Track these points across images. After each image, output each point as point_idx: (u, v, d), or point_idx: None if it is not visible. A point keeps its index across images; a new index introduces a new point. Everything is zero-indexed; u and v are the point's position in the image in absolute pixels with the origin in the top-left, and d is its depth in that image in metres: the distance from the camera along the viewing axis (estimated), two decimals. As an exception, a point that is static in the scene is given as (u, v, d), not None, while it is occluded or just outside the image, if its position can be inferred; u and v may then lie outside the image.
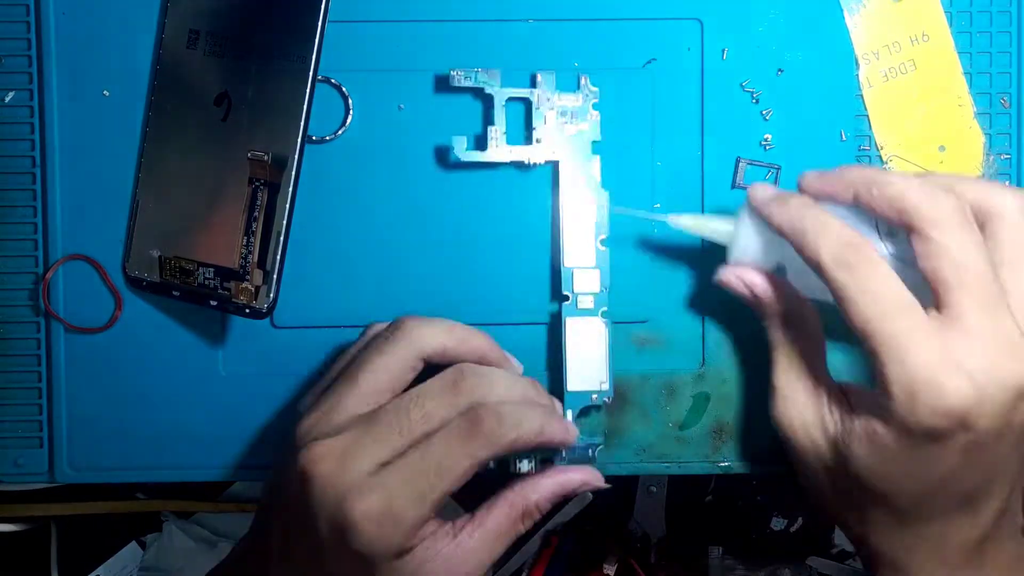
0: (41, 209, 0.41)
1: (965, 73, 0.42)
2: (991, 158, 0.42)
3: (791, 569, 0.54)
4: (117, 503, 0.51)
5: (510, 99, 0.40)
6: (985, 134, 0.42)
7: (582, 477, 0.38)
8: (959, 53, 0.42)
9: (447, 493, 0.34)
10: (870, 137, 0.42)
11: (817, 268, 0.35)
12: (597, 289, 0.41)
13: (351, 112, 0.41)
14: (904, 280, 0.34)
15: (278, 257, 0.39)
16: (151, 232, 0.41)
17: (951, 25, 0.42)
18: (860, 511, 0.37)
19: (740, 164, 0.41)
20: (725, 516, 0.56)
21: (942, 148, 0.42)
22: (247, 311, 0.40)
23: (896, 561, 0.37)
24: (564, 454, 0.40)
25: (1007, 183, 0.35)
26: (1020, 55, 0.42)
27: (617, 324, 0.42)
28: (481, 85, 0.40)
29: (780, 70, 0.42)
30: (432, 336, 0.37)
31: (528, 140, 0.41)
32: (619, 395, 0.42)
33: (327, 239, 0.41)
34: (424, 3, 0.41)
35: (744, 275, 0.38)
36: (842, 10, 0.42)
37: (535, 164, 0.41)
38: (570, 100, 0.41)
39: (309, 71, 0.39)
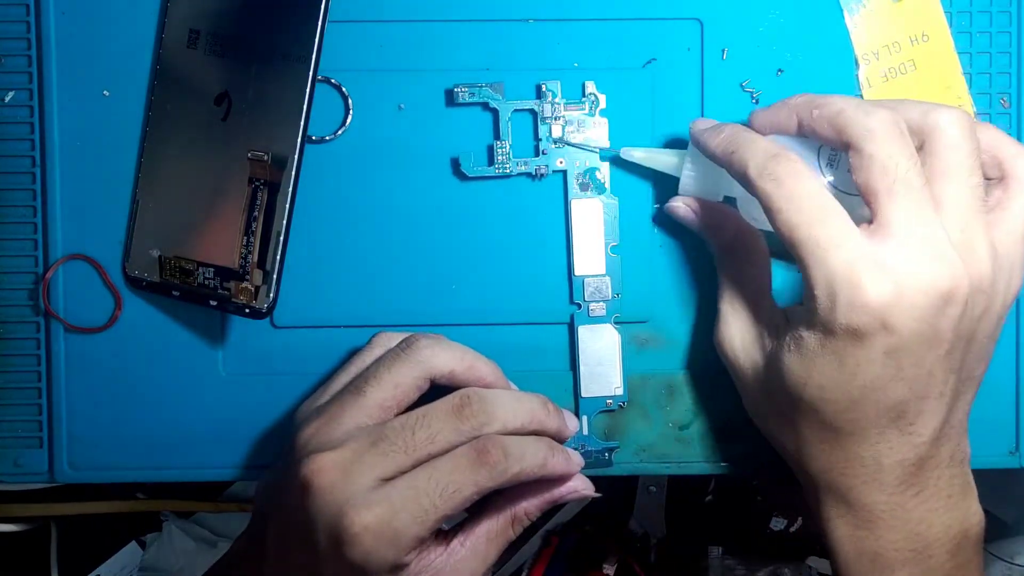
0: (41, 209, 0.41)
1: (965, 73, 0.42)
2: (991, 158, 0.42)
3: (791, 569, 0.54)
4: (117, 503, 0.51)
5: (516, 110, 0.41)
6: (985, 134, 0.42)
7: (572, 484, 0.39)
8: (959, 53, 0.42)
9: (447, 515, 0.34)
10: (870, 137, 0.42)
11: (746, 183, 0.35)
12: (608, 296, 0.41)
13: (351, 112, 0.41)
14: (843, 207, 0.34)
15: (278, 257, 0.39)
16: (151, 232, 0.41)
17: (951, 25, 0.42)
18: (795, 429, 0.36)
19: (740, 164, 0.41)
20: (725, 516, 0.56)
21: (942, 148, 0.42)
22: (247, 311, 0.40)
23: (832, 483, 0.36)
24: (581, 454, 0.40)
25: (945, 105, 0.35)
26: (1020, 55, 0.42)
27: (617, 324, 0.42)
28: (486, 100, 0.40)
29: (780, 70, 0.42)
30: (442, 359, 0.37)
31: (536, 151, 0.41)
32: (619, 395, 0.42)
33: (327, 239, 0.41)
34: (424, 3, 0.41)
35: (691, 203, 0.39)
36: (842, 10, 0.42)
37: (543, 175, 0.41)
38: (576, 109, 0.41)
39: (309, 71, 0.39)
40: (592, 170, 0.41)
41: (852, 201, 0.35)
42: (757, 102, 0.41)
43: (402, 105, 0.41)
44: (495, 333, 0.42)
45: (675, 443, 0.42)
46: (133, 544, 0.54)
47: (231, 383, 0.42)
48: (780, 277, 0.41)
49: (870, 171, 0.33)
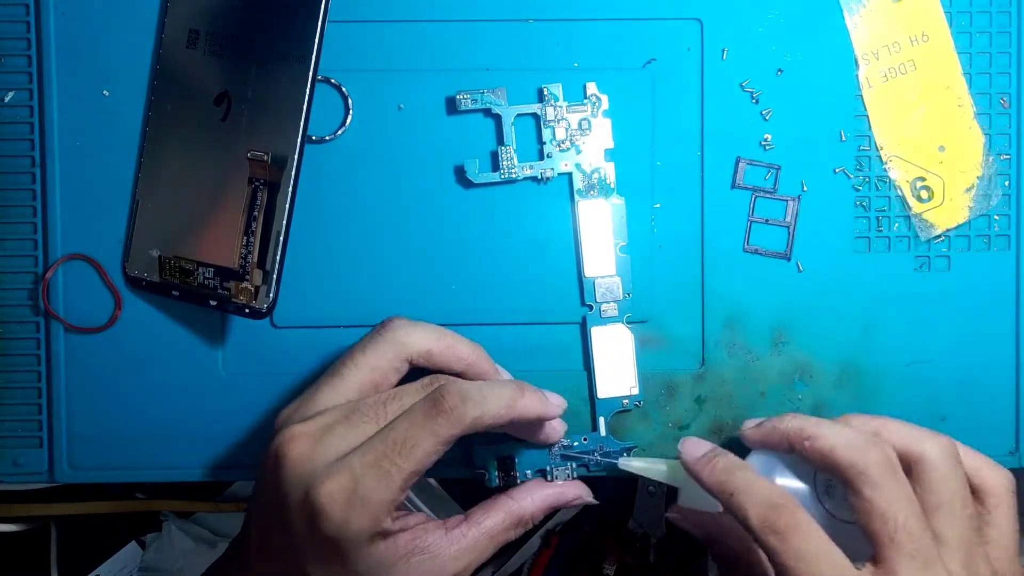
0: (41, 209, 0.41)
1: (965, 73, 0.42)
2: (991, 158, 0.42)
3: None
4: (117, 503, 0.51)
5: (519, 115, 0.41)
6: (985, 134, 0.42)
7: (575, 492, 0.39)
8: (959, 53, 0.42)
9: (414, 473, 0.34)
10: (870, 137, 0.42)
11: (746, 528, 0.35)
12: (620, 296, 0.41)
13: (351, 112, 0.41)
14: (841, 533, 0.34)
15: (278, 257, 0.39)
16: (151, 232, 0.41)
17: (951, 25, 0.42)
18: None
19: (740, 164, 0.41)
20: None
21: (942, 148, 0.42)
22: (247, 311, 0.40)
23: None
24: (600, 455, 0.41)
25: (928, 431, 0.36)
26: (1020, 55, 0.42)
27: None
28: (488, 106, 0.41)
29: (780, 70, 0.42)
30: (418, 339, 0.37)
31: (540, 155, 0.41)
32: (619, 395, 0.42)
33: (327, 239, 0.41)
34: (424, 3, 0.41)
35: (689, 515, 0.40)
36: (842, 10, 0.42)
37: (549, 179, 0.41)
38: (578, 110, 0.41)
39: (309, 71, 0.39)
40: (597, 171, 0.41)
41: (852, 531, 0.35)
42: (757, 102, 0.41)
43: (402, 105, 0.41)
44: (504, 334, 0.42)
45: (675, 443, 0.42)
46: (133, 544, 0.54)
47: (231, 383, 0.42)
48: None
49: (870, 516, 0.34)
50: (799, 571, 0.33)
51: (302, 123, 0.39)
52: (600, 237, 0.41)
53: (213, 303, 0.40)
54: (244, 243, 0.40)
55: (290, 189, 0.39)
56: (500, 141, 0.41)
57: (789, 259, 0.42)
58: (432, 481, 0.51)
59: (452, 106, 0.41)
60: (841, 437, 0.35)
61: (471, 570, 0.36)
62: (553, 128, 0.41)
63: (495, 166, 0.41)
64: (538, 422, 0.38)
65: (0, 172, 0.41)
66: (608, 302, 0.41)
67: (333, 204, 0.41)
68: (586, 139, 0.41)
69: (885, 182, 0.42)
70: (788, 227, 0.42)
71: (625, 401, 0.41)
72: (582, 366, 0.42)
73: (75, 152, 0.41)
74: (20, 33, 0.41)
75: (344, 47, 0.41)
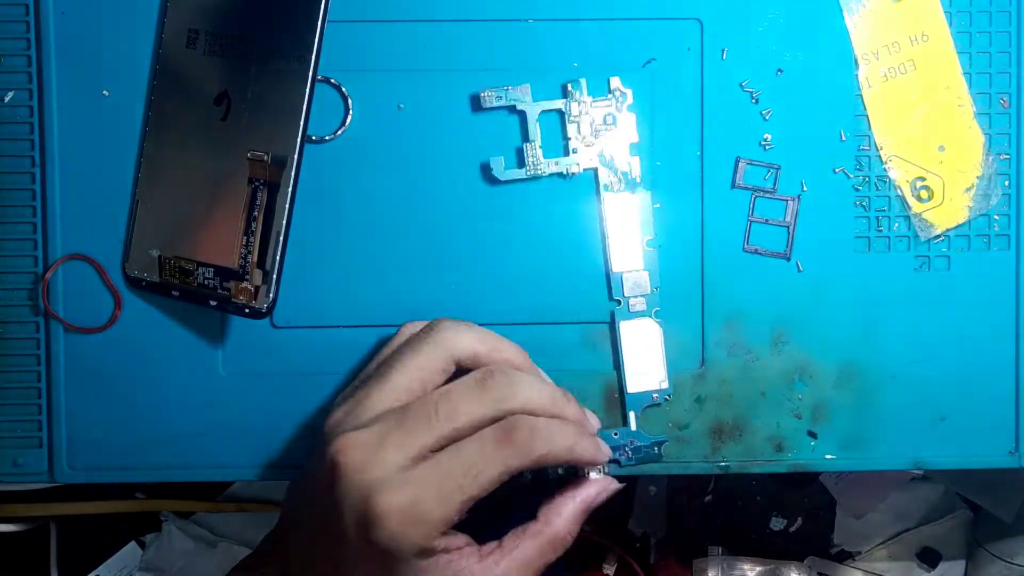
0: (40, 209, 0.41)
1: (965, 73, 0.42)
2: (990, 158, 0.42)
3: (791, 569, 0.54)
4: (116, 503, 0.51)
5: (544, 111, 0.41)
6: (985, 134, 0.42)
7: (598, 488, 0.39)
8: (959, 53, 0.42)
9: (474, 498, 0.34)
10: (869, 137, 0.42)
11: None
12: (648, 291, 0.41)
13: (351, 112, 0.41)
14: None
15: (278, 257, 0.39)
16: (151, 232, 0.41)
17: (950, 25, 0.42)
18: None
19: (740, 164, 0.42)
20: (725, 516, 0.56)
21: (941, 148, 0.42)
22: (247, 311, 0.40)
23: None
24: (631, 453, 0.41)
25: None
26: (1019, 55, 0.42)
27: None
28: (513, 103, 0.41)
29: (780, 70, 0.42)
30: (465, 341, 0.37)
31: (565, 151, 0.41)
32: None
33: (327, 239, 0.41)
34: (424, 3, 0.41)
35: None
36: (841, 10, 0.42)
37: (574, 174, 0.41)
38: (603, 105, 0.41)
39: (309, 71, 0.39)
40: (624, 164, 0.41)
41: None
42: (757, 102, 0.41)
43: (402, 105, 0.41)
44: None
45: (675, 443, 0.42)
46: (132, 544, 0.54)
47: (231, 383, 0.42)
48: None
49: None
50: None
51: (302, 123, 0.39)
52: (627, 231, 0.41)
53: (213, 303, 0.40)
54: (244, 243, 0.40)
55: (290, 189, 0.39)
56: (525, 138, 0.41)
57: (789, 259, 0.42)
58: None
59: (476, 104, 0.41)
60: None
61: None
62: (578, 123, 0.41)
63: (520, 162, 0.41)
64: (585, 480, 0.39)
65: (0, 172, 0.41)
66: (636, 296, 0.41)
67: (333, 204, 0.41)
68: (611, 134, 0.41)
69: (885, 182, 0.42)
70: (788, 227, 0.42)
71: (655, 395, 0.41)
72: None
73: (75, 152, 0.41)
74: (20, 33, 0.41)
75: (344, 47, 0.41)
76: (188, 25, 0.40)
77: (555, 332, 0.42)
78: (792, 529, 0.56)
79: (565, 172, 0.41)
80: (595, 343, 0.42)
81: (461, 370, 0.37)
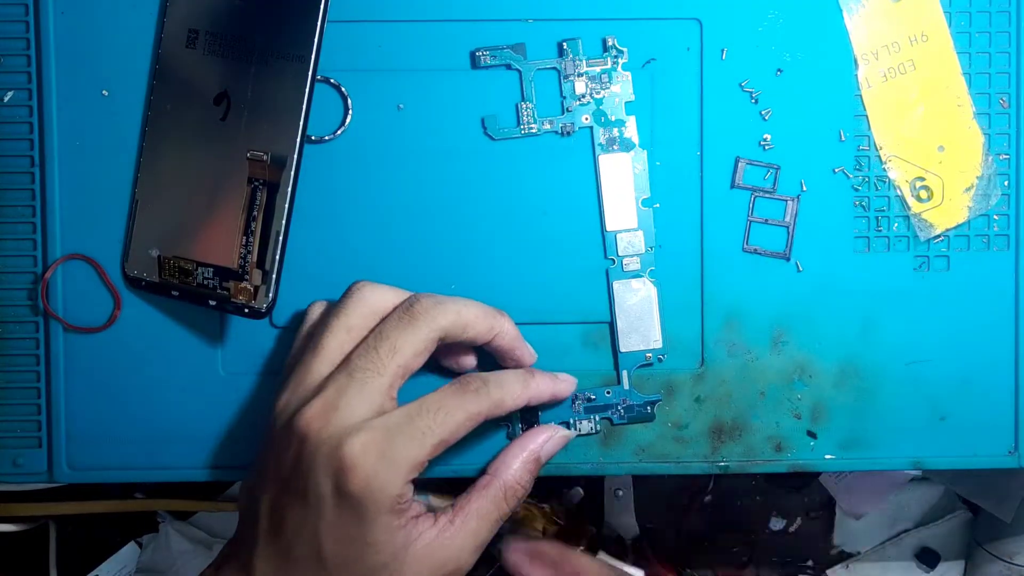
0: (40, 209, 0.41)
1: (964, 73, 0.42)
2: (990, 158, 0.42)
3: (791, 569, 0.54)
4: (115, 503, 0.51)
5: (539, 69, 0.41)
6: (984, 134, 0.42)
7: (545, 435, 0.40)
8: (958, 53, 0.42)
9: (444, 442, 0.36)
10: (869, 137, 0.42)
11: None
12: (642, 250, 0.41)
13: (351, 112, 0.41)
14: None
15: (277, 257, 0.39)
16: (150, 232, 0.41)
17: (950, 25, 0.42)
18: None
19: (739, 164, 0.42)
20: (725, 516, 0.56)
21: (941, 148, 0.42)
22: (246, 311, 0.40)
23: None
24: (623, 412, 0.41)
25: None
26: (1019, 55, 0.42)
27: (605, 325, 0.42)
28: (508, 62, 0.41)
29: (779, 70, 0.42)
30: (382, 294, 0.38)
31: (561, 110, 0.41)
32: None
33: (327, 239, 0.41)
34: (424, 3, 0.41)
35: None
36: (841, 10, 0.42)
37: (570, 133, 0.41)
38: (598, 64, 0.41)
39: (309, 71, 0.39)
40: (620, 123, 0.41)
41: None
42: (756, 102, 0.41)
43: (402, 105, 0.41)
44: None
45: (674, 443, 0.42)
46: (132, 544, 0.54)
47: (230, 383, 0.42)
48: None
49: None
50: None
51: (302, 123, 0.39)
52: (622, 191, 0.41)
53: (212, 303, 0.40)
54: (243, 243, 0.40)
55: (289, 189, 0.39)
56: (521, 97, 0.41)
57: (788, 259, 0.42)
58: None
59: (474, 62, 0.41)
60: None
61: (468, 553, 0.37)
62: (573, 82, 0.41)
63: (518, 122, 0.41)
64: (512, 358, 0.40)
65: (0, 172, 0.41)
66: (630, 256, 0.41)
67: (333, 204, 0.41)
68: (606, 92, 0.41)
69: (884, 182, 0.42)
70: (787, 227, 0.42)
71: (648, 355, 0.42)
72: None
73: (75, 152, 0.41)
74: (20, 33, 0.41)
75: (344, 47, 0.41)
76: (188, 25, 0.40)
77: (558, 331, 0.42)
78: (791, 529, 0.56)
79: (560, 131, 0.41)
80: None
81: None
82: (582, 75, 0.41)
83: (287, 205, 0.39)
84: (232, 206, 0.40)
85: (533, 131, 0.41)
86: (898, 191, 0.42)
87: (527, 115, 0.41)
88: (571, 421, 0.41)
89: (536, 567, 0.39)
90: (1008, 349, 0.42)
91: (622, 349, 0.41)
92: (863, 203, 0.42)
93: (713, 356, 0.42)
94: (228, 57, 0.40)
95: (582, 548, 0.53)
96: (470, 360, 0.41)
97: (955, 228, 0.42)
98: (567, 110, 0.41)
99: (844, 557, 0.56)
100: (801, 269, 0.42)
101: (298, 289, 0.41)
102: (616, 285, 0.41)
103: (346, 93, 0.41)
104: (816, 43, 0.42)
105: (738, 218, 0.42)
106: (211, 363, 0.42)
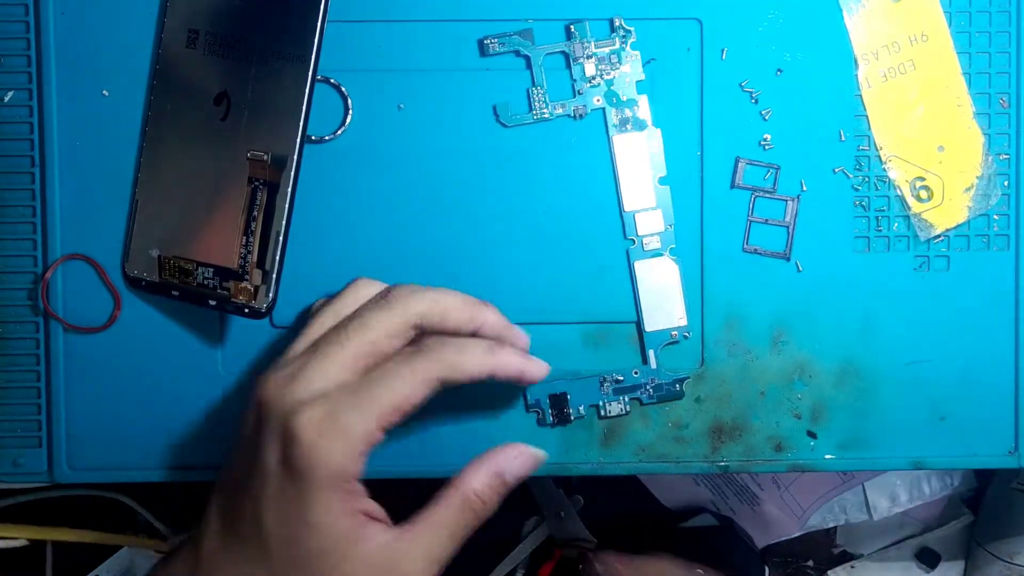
0: (40, 209, 0.41)
1: (964, 73, 0.42)
2: (990, 158, 0.42)
3: (792, 569, 0.54)
4: (108, 535, 0.51)
5: (548, 54, 0.41)
6: (984, 134, 0.42)
7: (514, 452, 0.37)
8: (958, 53, 0.42)
9: (396, 409, 0.34)
10: (869, 137, 0.42)
11: None
12: (661, 228, 0.41)
13: (351, 112, 0.41)
14: None
15: (277, 257, 0.39)
16: (150, 232, 0.41)
17: (950, 25, 0.42)
18: None
19: (740, 164, 0.42)
20: (724, 515, 0.56)
21: (941, 148, 0.42)
22: (246, 311, 0.40)
23: None
24: (652, 391, 0.41)
25: None
26: (1019, 55, 0.42)
27: (617, 324, 0.42)
28: (517, 48, 0.41)
29: (779, 70, 0.42)
30: (377, 288, 0.38)
31: (572, 94, 0.41)
32: (619, 395, 0.42)
33: (327, 239, 0.41)
34: (424, 3, 0.41)
35: None
36: (841, 10, 0.42)
37: (582, 115, 0.41)
38: (606, 45, 0.41)
39: (309, 71, 0.39)
40: (631, 103, 0.41)
41: None
42: (756, 102, 0.41)
43: (402, 105, 0.41)
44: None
45: (674, 443, 0.42)
46: (125, 550, 0.54)
47: (230, 383, 0.42)
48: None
49: None
50: None
51: (302, 123, 0.39)
52: (638, 171, 0.41)
53: (212, 303, 0.40)
54: (243, 243, 0.40)
55: (289, 189, 0.39)
56: (532, 83, 0.41)
57: (788, 259, 0.42)
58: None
59: (483, 50, 0.41)
60: None
61: (428, 564, 0.35)
62: (583, 64, 0.41)
63: (530, 107, 0.41)
64: (520, 379, 0.38)
65: (0, 172, 0.41)
66: (650, 235, 0.41)
67: (333, 204, 0.41)
68: (616, 73, 0.41)
69: (884, 182, 0.42)
70: (787, 227, 0.42)
71: (674, 333, 0.42)
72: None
73: (75, 152, 0.41)
74: (20, 33, 0.41)
75: (344, 47, 0.41)
76: (188, 25, 0.40)
77: (563, 330, 0.42)
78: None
79: (573, 114, 0.41)
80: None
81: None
82: (591, 57, 0.41)
83: (287, 205, 0.39)
84: (232, 206, 0.40)
85: (545, 116, 0.41)
86: (898, 191, 0.42)
87: (539, 100, 0.41)
88: (600, 403, 0.41)
89: None
90: (1008, 349, 0.42)
91: (647, 329, 0.41)
92: (863, 203, 0.42)
93: (713, 356, 0.42)
94: (228, 57, 0.40)
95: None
96: None
97: (955, 228, 0.42)
98: (578, 93, 0.41)
99: (846, 558, 0.56)
100: (801, 269, 0.42)
101: (298, 289, 0.41)
102: (638, 265, 0.41)
103: (346, 93, 0.41)
104: (816, 43, 0.42)
105: (738, 218, 0.42)
106: (211, 363, 0.42)
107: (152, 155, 0.41)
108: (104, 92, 0.41)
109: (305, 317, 0.41)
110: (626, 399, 0.41)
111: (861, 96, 0.42)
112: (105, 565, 0.52)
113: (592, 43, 0.41)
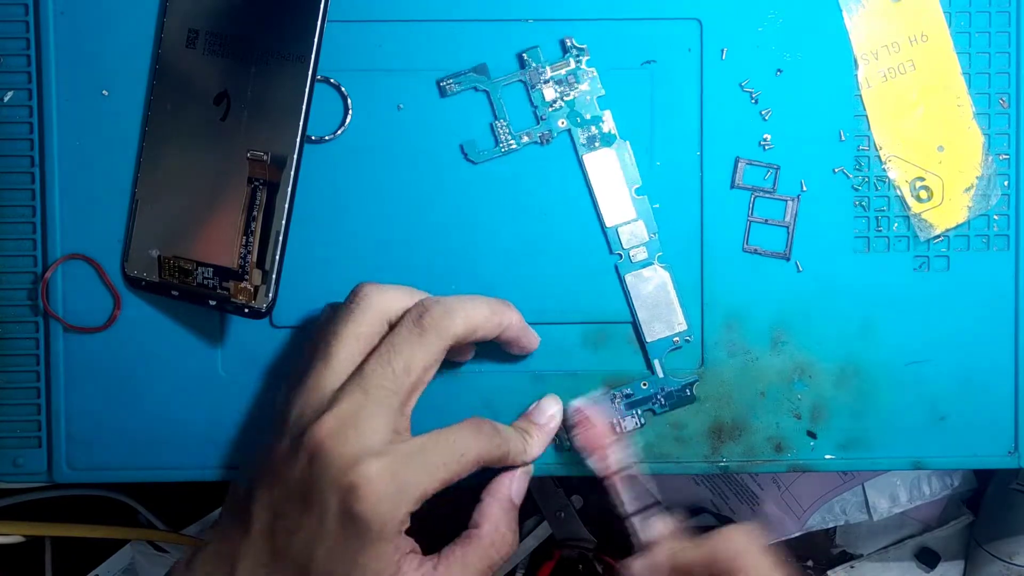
0: (40, 208, 0.41)
1: (964, 73, 0.42)
2: (990, 158, 0.42)
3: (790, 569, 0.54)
4: (110, 529, 0.51)
5: (506, 85, 0.41)
6: (984, 134, 0.42)
7: (509, 479, 0.39)
8: (958, 53, 0.42)
9: (453, 479, 0.35)
10: (869, 137, 0.42)
11: None
12: (646, 238, 0.41)
13: (351, 112, 0.41)
14: None
15: (277, 257, 0.39)
16: (150, 232, 0.41)
17: (950, 25, 0.42)
18: None
19: (739, 164, 0.42)
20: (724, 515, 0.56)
21: (941, 148, 0.42)
22: (246, 311, 0.40)
23: None
24: (663, 400, 0.41)
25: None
26: (1019, 55, 0.42)
27: (616, 325, 0.42)
28: (474, 85, 0.41)
29: (779, 70, 0.42)
30: (393, 299, 0.38)
31: (536, 120, 0.41)
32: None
33: (327, 239, 0.41)
34: (424, 3, 0.41)
35: None
36: (841, 10, 0.42)
37: (549, 140, 0.41)
38: (562, 67, 0.41)
39: (309, 71, 0.39)
40: (596, 120, 0.41)
41: None
42: (756, 102, 0.41)
43: (401, 105, 0.41)
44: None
45: (674, 443, 0.42)
46: (125, 550, 0.54)
47: (230, 383, 0.42)
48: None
49: None
50: None
51: (301, 123, 0.39)
52: (613, 185, 0.41)
53: (212, 303, 0.40)
54: (243, 243, 0.40)
55: (289, 189, 0.39)
56: (493, 116, 0.41)
57: (788, 259, 0.42)
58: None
59: (442, 92, 0.41)
60: None
61: None
62: (541, 90, 0.41)
63: (496, 141, 0.41)
64: (518, 346, 0.40)
65: (0, 172, 0.41)
66: (636, 246, 0.41)
67: (333, 204, 0.41)
68: (576, 93, 0.41)
69: (884, 182, 0.42)
70: (787, 227, 0.42)
71: (676, 339, 0.42)
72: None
73: (75, 152, 0.41)
74: (20, 33, 0.41)
75: (344, 47, 0.41)
76: (188, 25, 0.40)
77: (563, 330, 0.42)
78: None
79: (539, 140, 0.41)
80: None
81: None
82: (548, 81, 0.41)
83: (287, 205, 0.39)
84: (232, 206, 0.40)
85: (513, 147, 0.41)
86: (898, 191, 0.42)
87: (504, 133, 0.41)
88: (615, 420, 0.41)
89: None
90: (1008, 349, 0.42)
91: (648, 339, 0.41)
92: (863, 203, 0.42)
93: (713, 356, 0.42)
94: (228, 57, 0.40)
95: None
96: (469, 353, 0.41)
97: (955, 228, 0.42)
98: (541, 119, 0.41)
99: (846, 558, 0.56)
100: (801, 269, 0.42)
101: (298, 289, 0.41)
102: (628, 278, 0.41)
103: (346, 93, 0.41)
104: (816, 43, 0.42)
105: (738, 218, 0.42)
106: (211, 363, 0.42)
107: (152, 155, 0.41)
108: (104, 92, 0.41)
109: (311, 327, 0.40)
110: (639, 412, 0.42)
111: (861, 96, 0.42)
112: (105, 565, 0.53)
113: (547, 68, 0.41)
